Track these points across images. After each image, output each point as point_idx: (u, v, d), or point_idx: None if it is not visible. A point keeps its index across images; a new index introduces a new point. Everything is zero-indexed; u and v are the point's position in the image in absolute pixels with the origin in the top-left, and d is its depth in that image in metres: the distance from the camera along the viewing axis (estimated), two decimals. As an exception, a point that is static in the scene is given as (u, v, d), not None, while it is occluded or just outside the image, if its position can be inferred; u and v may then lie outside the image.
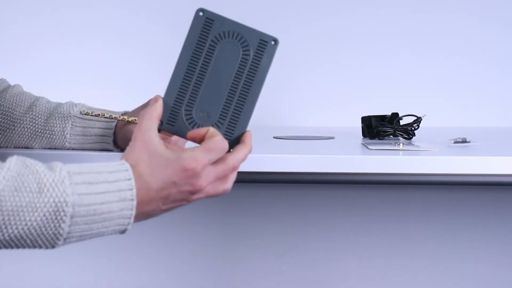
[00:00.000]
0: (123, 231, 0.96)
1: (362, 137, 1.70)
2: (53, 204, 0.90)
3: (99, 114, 1.31)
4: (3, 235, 0.91)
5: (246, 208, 2.09)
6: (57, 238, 0.92)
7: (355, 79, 2.13)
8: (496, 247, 2.09)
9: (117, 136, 1.32)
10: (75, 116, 1.33)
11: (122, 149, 1.32)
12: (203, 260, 2.12)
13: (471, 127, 2.05)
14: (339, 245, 2.11)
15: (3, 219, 0.89)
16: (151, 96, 1.07)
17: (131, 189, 0.94)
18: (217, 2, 2.13)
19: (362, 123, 1.70)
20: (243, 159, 1.02)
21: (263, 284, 2.12)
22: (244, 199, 2.09)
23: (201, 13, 1.10)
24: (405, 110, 1.70)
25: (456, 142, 1.56)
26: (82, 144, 1.32)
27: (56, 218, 0.91)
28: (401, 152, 1.44)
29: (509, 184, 1.84)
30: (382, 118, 1.69)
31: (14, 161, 0.91)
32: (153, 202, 0.96)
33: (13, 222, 0.90)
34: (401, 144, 1.54)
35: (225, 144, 1.00)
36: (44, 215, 0.90)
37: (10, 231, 0.91)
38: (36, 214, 0.90)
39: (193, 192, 0.98)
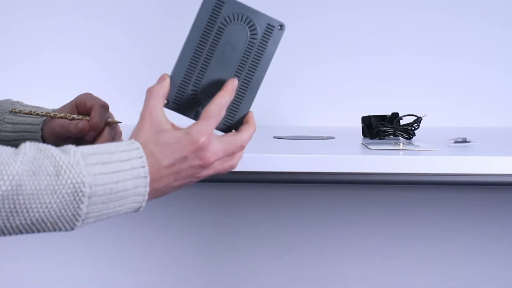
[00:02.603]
0: (137, 209, 0.99)
1: (362, 137, 1.70)
2: (71, 186, 0.93)
3: (29, 112, 1.33)
4: (25, 219, 0.92)
5: (246, 208, 2.09)
6: (76, 219, 0.94)
7: (355, 79, 2.13)
8: (496, 247, 2.09)
9: (43, 131, 1.34)
10: (6, 113, 1.35)
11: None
12: (203, 260, 2.12)
13: (471, 127, 2.05)
14: (339, 245, 2.11)
15: (24, 203, 0.91)
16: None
17: (143, 167, 0.97)
18: (217, 2, 2.13)
19: (362, 123, 1.70)
20: (249, 138, 1.06)
21: (263, 284, 2.12)
22: (244, 199, 2.09)
23: None
24: (405, 110, 1.70)
25: (456, 142, 1.56)
26: (11, 141, 1.34)
27: (74, 199, 0.93)
28: (401, 152, 1.44)
29: (509, 184, 1.84)
30: (382, 118, 1.69)
31: (29, 146, 0.94)
32: (164, 179, 0.99)
33: (33, 206, 0.91)
34: (401, 144, 1.54)
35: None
36: (63, 197, 0.92)
37: (31, 215, 0.92)
38: (55, 196, 0.92)
39: (202, 166, 1.02)
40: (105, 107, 1.29)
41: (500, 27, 2.12)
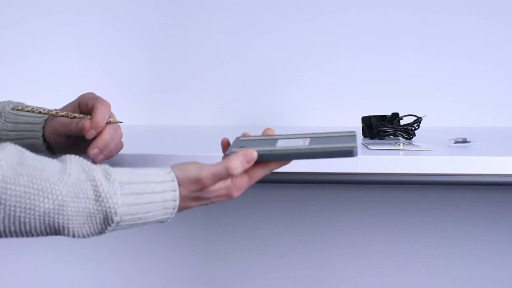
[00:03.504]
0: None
1: (362, 137, 1.70)
2: (105, 213, 1.04)
3: (31, 110, 1.33)
4: (57, 233, 1.03)
5: (246, 208, 2.09)
6: (99, 234, 1.06)
7: (355, 79, 2.12)
8: (496, 247, 2.09)
9: (45, 130, 1.34)
10: (8, 112, 1.36)
11: (49, 143, 1.34)
12: (203, 260, 2.12)
13: (471, 127, 2.05)
14: (339, 245, 2.11)
15: (62, 222, 1.02)
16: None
17: (174, 200, 1.08)
18: (219, 2, 2.13)
19: (362, 123, 1.70)
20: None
21: (263, 284, 2.12)
22: (244, 199, 2.09)
23: None
24: (405, 110, 1.70)
25: (456, 142, 1.56)
26: (12, 140, 1.34)
27: (104, 223, 1.04)
28: (401, 152, 1.44)
29: (509, 184, 1.84)
30: (382, 118, 1.69)
31: (74, 165, 1.04)
32: (187, 206, 1.11)
33: (70, 225, 1.03)
34: (401, 144, 1.54)
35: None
36: (96, 220, 1.04)
37: (65, 231, 1.03)
38: (89, 219, 1.03)
39: (227, 195, 1.14)
40: (107, 106, 1.29)
41: (500, 27, 2.12)
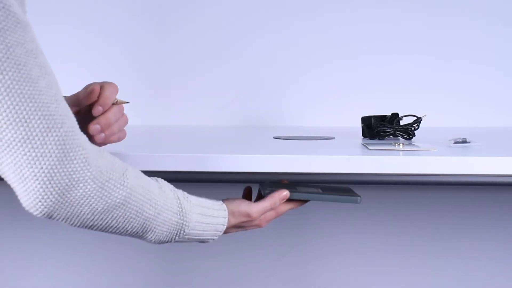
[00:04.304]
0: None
1: (362, 137, 1.70)
2: (181, 225, 1.25)
3: None
4: (150, 238, 1.23)
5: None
6: (169, 242, 1.27)
7: (355, 79, 2.13)
8: (496, 247, 2.09)
9: None
10: None
11: None
12: (203, 260, 2.12)
13: (471, 127, 2.05)
14: (339, 245, 2.11)
15: (155, 228, 1.22)
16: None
17: (224, 225, 1.30)
18: (219, 2, 2.13)
19: (362, 123, 1.70)
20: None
21: (263, 284, 2.12)
22: (244, 199, 2.09)
23: None
24: (405, 110, 1.70)
25: (456, 142, 1.56)
26: None
27: (178, 233, 1.25)
28: (401, 152, 1.44)
29: (509, 184, 1.84)
30: (382, 118, 1.69)
31: (165, 184, 1.25)
32: (228, 231, 1.34)
33: (157, 231, 1.23)
34: (401, 144, 1.54)
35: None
36: (174, 228, 1.24)
37: (153, 237, 1.23)
38: (171, 228, 1.24)
39: (257, 225, 1.39)
40: (115, 87, 1.31)
41: (500, 27, 2.12)
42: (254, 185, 1.41)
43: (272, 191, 1.33)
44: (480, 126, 2.08)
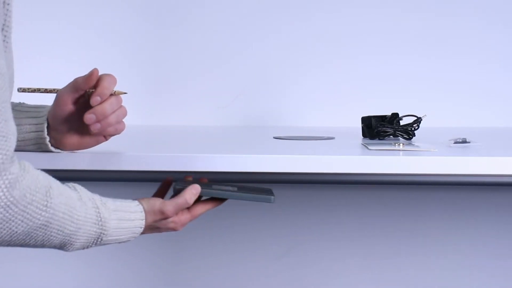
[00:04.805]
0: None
1: (362, 137, 1.70)
2: (99, 234, 1.22)
3: (36, 89, 1.35)
4: (67, 249, 1.21)
5: (246, 208, 2.09)
6: (84, 249, 1.25)
7: (355, 79, 2.13)
8: (496, 246, 2.09)
9: (48, 113, 1.34)
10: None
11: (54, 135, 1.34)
12: (203, 260, 2.12)
13: (471, 127, 2.05)
14: (339, 245, 2.11)
15: (75, 241, 1.20)
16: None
17: (141, 227, 1.27)
18: (219, 2, 2.13)
19: (362, 123, 1.70)
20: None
21: (263, 284, 2.12)
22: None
23: None
24: (405, 110, 1.70)
25: (456, 142, 1.56)
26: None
27: (95, 241, 1.23)
28: (401, 152, 1.44)
29: (509, 184, 1.84)
30: (382, 118, 1.69)
31: (84, 192, 1.21)
32: (144, 232, 1.30)
33: (76, 244, 1.21)
34: (401, 144, 1.54)
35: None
36: (92, 239, 1.22)
37: (71, 248, 1.21)
38: (89, 238, 1.21)
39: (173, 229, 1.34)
40: (113, 78, 1.31)
41: (500, 27, 2.12)
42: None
43: (184, 187, 1.29)
44: (480, 126, 2.08)
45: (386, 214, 2.10)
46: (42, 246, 1.16)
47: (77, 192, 1.20)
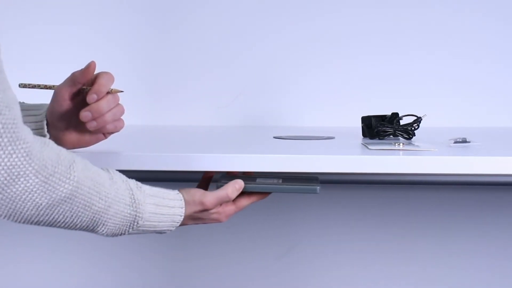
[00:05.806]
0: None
1: (362, 137, 1.70)
2: (135, 216, 1.21)
3: (36, 85, 1.34)
4: (102, 231, 1.20)
5: (246, 208, 2.09)
6: (122, 235, 1.23)
7: (355, 79, 2.13)
8: (496, 246, 2.09)
9: (48, 111, 1.34)
10: None
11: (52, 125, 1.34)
12: (203, 260, 2.12)
13: (471, 127, 2.05)
14: (338, 245, 2.11)
15: (107, 221, 1.19)
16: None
17: (181, 215, 1.26)
18: (219, 2, 2.14)
19: (362, 123, 1.70)
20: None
21: (263, 284, 2.12)
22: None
23: None
24: (405, 110, 1.70)
25: (456, 142, 1.56)
26: None
27: (131, 225, 1.22)
28: (401, 152, 1.44)
29: (509, 184, 1.84)
30: (382, 118, 1.69)
31: (117, 174, 1.22)
32: (185, 223, 1.30)
33: (109, 224, 1.19)
34: (401, 144, 1.54)
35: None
36: (127, 220, 1.21)
37: (105, 230, 1.20)
38: (123, 220, 1.21)
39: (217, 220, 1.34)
40: (110, 75, 1.32)
41: (501, 26, 2.12)
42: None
43: (226, 183, 1.30)
44: (480, 126, 2.08)
45: (386, 214, 2.10)
46: (74, 225, 1.15)
47: (108, 173, 1.20)
